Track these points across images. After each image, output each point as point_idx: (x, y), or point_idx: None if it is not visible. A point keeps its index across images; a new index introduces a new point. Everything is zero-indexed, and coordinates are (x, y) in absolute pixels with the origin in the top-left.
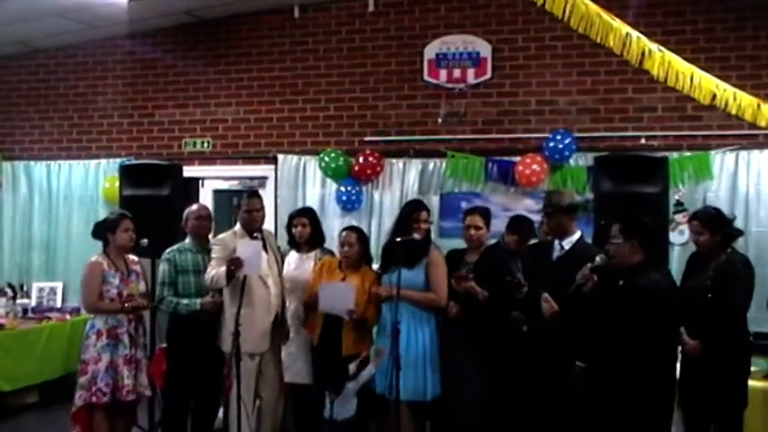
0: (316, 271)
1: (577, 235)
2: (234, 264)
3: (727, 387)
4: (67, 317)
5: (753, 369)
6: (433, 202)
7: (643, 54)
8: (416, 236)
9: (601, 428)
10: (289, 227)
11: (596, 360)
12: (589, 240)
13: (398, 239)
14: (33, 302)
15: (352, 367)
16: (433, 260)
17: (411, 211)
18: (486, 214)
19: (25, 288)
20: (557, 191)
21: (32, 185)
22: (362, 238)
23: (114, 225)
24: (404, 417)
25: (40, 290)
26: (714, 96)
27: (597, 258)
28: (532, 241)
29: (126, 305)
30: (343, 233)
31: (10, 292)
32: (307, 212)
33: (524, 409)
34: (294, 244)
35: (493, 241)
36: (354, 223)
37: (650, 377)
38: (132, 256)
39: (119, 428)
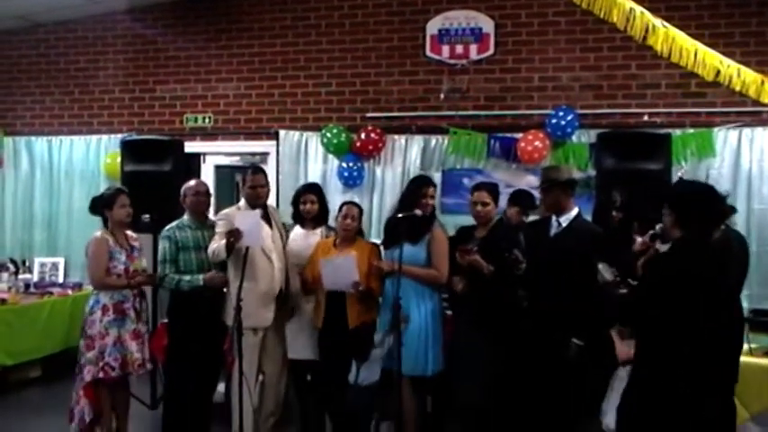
0: (311, 256)
1: (575, 212)
2: (233, 235)
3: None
4: (69, 292)
5: (753, 346)
6: (435, 178)
7: (647, 30)
8: (418, 212)
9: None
10: (296, 203)
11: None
12: (591, 217)
13: (400, 215)
14: (35, 278)
15: (377, 337)
16: (435, 237)
17: (418, 187)
18: (493, 190)
19: (27, 263)
20: (554, 166)
21: (34, 161)
22: (361, 213)
23: (111, 201)
24: (405, 391)
25: (42, 265)
26: (718, 73)
27: (657, 227)
28: (534, 217)
29: (132, 281)
30: (345, 207)
31: (12, 268)
32: (315, 189)
33: (525, 386)
34: (299, 219)
35: (498, 217)
36: (356, 199)
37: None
38: (131, 233)
39: (122, 402)
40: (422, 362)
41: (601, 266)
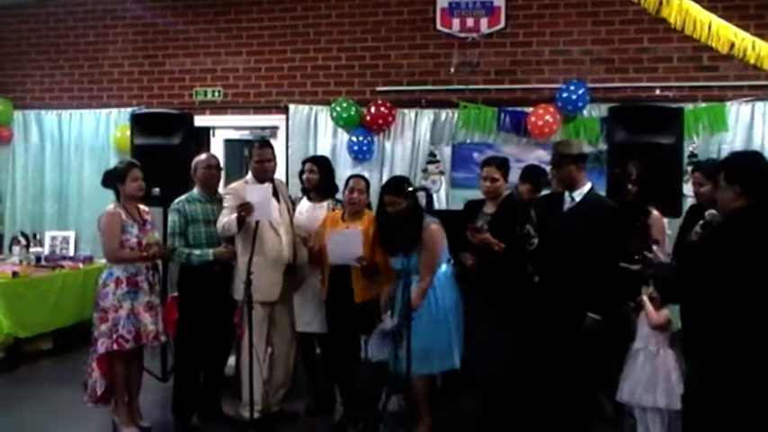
0: (320, 228)
1: (588, 186)
2: (244, 209)
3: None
4: (80, 265)
5: None
6: (445, 152)
7: (660, 2)
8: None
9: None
10: (301, 174)
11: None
12: (602, 192)
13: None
14: (46, 251)
15: (387, 320)
16: (427, 238)
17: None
18: (503, 165)
19: (38, 237)
20: (564, 141)
21: (44, 135)
22: (368, 186)
23: (123, 174)
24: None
25: (53, 239)
26: (732, 46)
27: (706, 215)
28: (545, 192)
29: (146, 253)
30: (352, 180)
31: (23, 241)
32: (316, 159)
33: (540, 361)
34: (306, 191)
35: (509, 192)
36: (366, 173)
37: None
38: (143, 206)
39: (134, 375)
40: (449, 357)
41: (655, 248)
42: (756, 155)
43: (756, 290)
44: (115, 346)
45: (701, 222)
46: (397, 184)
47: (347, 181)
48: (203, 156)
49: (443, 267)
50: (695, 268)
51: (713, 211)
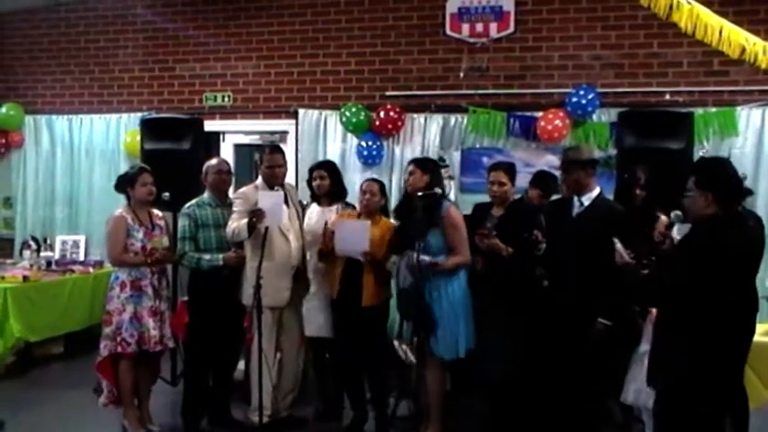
0: (334, 220)
1: (596, 191)
2: (256, 215)
3: None
4: (90, 269)
5: None
6: (455, 157)
7: (671, 7)
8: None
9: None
10: (309, 180)
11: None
12: (611, 196)
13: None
14: (57, 255)
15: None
16: (449, 220)
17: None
18: (510, 170)
19: (48, 241)
20: (574, 146)
21: (54, 139)
22: (383, 190)
23: (133, 179)
24: (434, 371)
25: (64, 243)
26: (743, 51)
27: (672, 215)
28: (555, 197)
29: (149, 258)
30: (365, 183)
31: (34, 245)
32: (325, 165)
33: (549, 364)
34: (315, 197)
35: (518, 196)
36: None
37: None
38: (156, 211)
39: (143, 379)
40: (453, 344)
41: (618, 246)
42: (726, 161)
43: (735, 297)
44: (119, 349)
45: (666, 224)
46: (424, 158)
47: (362, 184)
48: (214, 161)
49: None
50: (676, 274)
51: (678, 212)
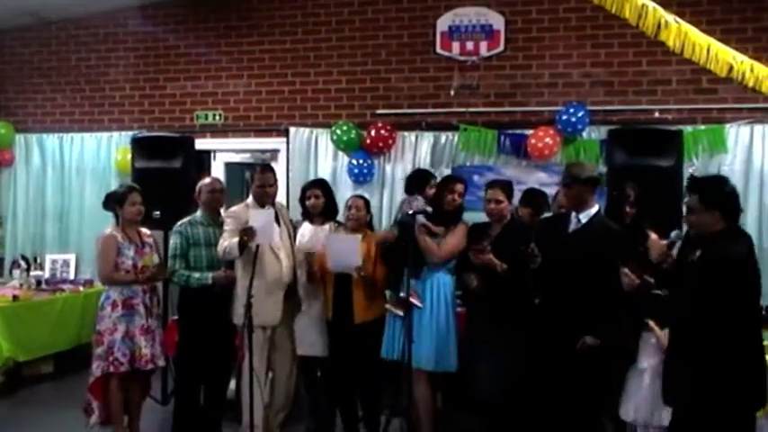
0: (321, 248)
1: (595, 209)
2: (247, 233)
3: None
4: (80, 288)
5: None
6: (446, 174)
7: (659, 26)
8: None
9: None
10: (302, 199)
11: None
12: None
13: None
14: (47, 274)
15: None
16: (457, 229)
17: (444, 184)
18: (507, 187)
19: (39, 260)
20: (577, 163)
21: (45, 157)
22: (367, 205)
23: (122, 198)
24: (421, 386)
25: (54, 262)
26: (731, 69)
27: (672, 234)
28: (546, 215)
29: (141, 276)
30: (350, 199)
31: (24, 264)
32: (320, 184)
33: (542, 383)
34: (308, 216)
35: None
36: (366, 196)
37: (732, 361)
38: (145, 229)
39: (134, 398)
40: (444, 356)
41: (625, 270)
42: (724, 178)
43: (754, 308)
44: (111, 368)
45: (667, 242)
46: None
47: (347, 201)
48: (208, 179)
49: (447, 278)
50: (704, 292)
51: (678, 231)
